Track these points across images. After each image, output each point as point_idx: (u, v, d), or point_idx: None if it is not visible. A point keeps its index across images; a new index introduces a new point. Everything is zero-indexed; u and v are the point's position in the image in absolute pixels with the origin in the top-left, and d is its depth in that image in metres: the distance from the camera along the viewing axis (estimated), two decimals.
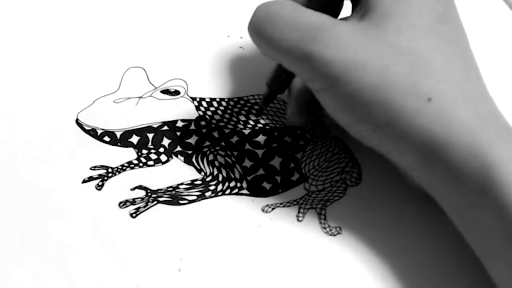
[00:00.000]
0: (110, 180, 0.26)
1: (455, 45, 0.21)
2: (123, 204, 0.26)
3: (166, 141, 0.28)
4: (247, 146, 0.28)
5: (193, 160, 0.27)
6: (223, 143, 0.28)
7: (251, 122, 0.29)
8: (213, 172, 0.27)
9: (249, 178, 0.27)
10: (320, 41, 0.20)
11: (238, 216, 0.25)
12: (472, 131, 0.19)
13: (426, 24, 0.21)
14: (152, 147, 0.27)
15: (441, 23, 0.21)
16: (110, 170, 0.27)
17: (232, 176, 0.27)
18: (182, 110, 0.29)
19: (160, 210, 0.25)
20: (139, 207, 0.25)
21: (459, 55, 0.21)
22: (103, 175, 0.26)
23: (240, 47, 0.32)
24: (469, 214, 0.20)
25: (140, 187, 0.26)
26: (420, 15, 0.21)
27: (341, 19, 0.23)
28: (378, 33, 0.20)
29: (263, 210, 0.26)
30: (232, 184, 0.26)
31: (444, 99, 0.20)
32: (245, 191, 0.26)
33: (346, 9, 0.25)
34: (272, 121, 0.29)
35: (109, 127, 0.28)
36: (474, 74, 0.21)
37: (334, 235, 0.25)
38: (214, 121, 0.28)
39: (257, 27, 0.22)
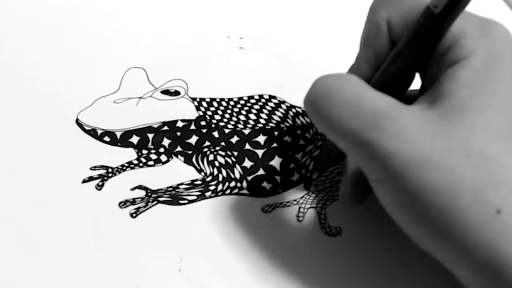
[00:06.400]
0: (110, 180, 0.26)
1: None
2: (123, 204, 0.26)
3: (166, 141, 0.28)
4: (247, 146, 0.28)
5: (193, 160, 0.27)
6: (223, 143, 0.28)
7: (251, 122, 0.29)
8: (213, 172, 0.27)
9: (249, 178, 0.27)
10: (382, 129, 0.18)
11: (238, 216, 0.25)
12: None
13: (503, 124, 0.18)
14: (152, 147, 0.27)
15: None
16: (110, 170, 0.27)
17: (232, 176, 0.27)
18: (182, 110, 0.29)
19: (160, 210, 0.25)
20: (139, 207, 0.25)
21: None
22: (103, 175, 0.26)
23: (240, 48, 0.32)
24: None
25: (140, 187, 0.26)
26: (498, 113, 0.18)
27: (409, 99, 0.20)
28: (448, 129, 0.18)
29: (263, 210, 0.26)
30: (232, 184, 0.26)
31: None
32: (245, 191, 0.26)
33: None
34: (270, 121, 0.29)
35: (109, 127, 0.28)
36: None
37: (334, 235, 0.25)
38: (214, 121, 0.29)
39: (314, 104, 0.19)
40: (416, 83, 0.22)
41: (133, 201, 0.26)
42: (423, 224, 0.19)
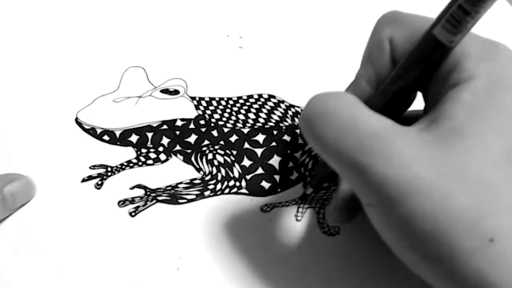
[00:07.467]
0: (109, 179, 0.26)
1: None
2: (122, 203, 0.26)
3: (165, 140, 0.28)
4: (246, 145, 0.28)
5: (192, 159, 0.27)
6: (222, 142, 0.28)
7: (250, 121, 0.29)
8: (212, 171, 0.27)
9: (248, 177, 0.27)
10: (377, 153, 0.17)
11: (237, 216, 0.25)
12: None
13: (502, 151, 0.17)
14: (151, 146, 0.28)
15: None
16: (109, 169, 0.27)
17: (231, 175, 0.27)
18: (181, 109, 0.29)
19: (159, 209, 0.25)
20: (138, 206, 0.25)
21: None
22: (103, 174, 0.26)
23: (240, 47, 0.32)
24: None
25: (139, 186, 0.26)
26: (497, 139, 0.17)
27: (412, 120, 0.20)
28: (444, 153, 0.17)
29: (262, 210, 0.26)
30: (231, 183, 0.27)
31: (508, 242, 0.17)
32: (244, 190, 0.26)
33: None
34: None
35: (108, 126, 0.28)
36: None
37: (333, 235, 0.25)
38: (213, 120, 0.29)
39: (309, 122, 0.19)
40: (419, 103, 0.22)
41: (132, 200, 0.26)
42: (415, 250, 0.18)
